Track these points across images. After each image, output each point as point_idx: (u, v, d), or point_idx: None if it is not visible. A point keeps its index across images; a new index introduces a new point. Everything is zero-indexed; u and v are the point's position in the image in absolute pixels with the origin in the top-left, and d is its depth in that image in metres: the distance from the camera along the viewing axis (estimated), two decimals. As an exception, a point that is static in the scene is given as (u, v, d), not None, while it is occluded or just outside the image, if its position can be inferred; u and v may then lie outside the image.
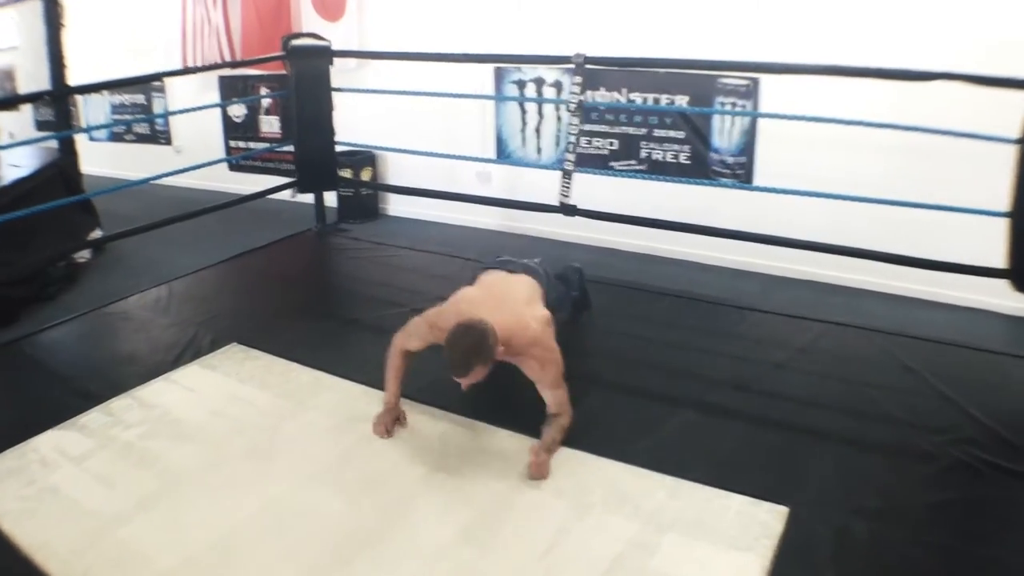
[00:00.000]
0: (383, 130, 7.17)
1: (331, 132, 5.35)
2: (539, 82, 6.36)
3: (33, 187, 6.20)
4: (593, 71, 5.97)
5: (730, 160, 5.68)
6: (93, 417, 3.29)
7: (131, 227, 5.08)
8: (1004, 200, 3.61)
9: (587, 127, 6.22)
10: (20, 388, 3.66)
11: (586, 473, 2.82)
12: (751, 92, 5.45)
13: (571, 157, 4.48)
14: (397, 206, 7.60)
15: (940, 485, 2.73)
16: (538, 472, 2.76)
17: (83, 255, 6.89)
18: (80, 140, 10.16)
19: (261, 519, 2.61)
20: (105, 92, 9.49)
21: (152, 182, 5.51)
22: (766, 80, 5.32)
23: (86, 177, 9.48)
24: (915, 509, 2.61)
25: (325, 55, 5.29)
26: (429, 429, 3.13)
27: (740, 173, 5.65)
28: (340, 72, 7.07)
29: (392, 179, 7.47)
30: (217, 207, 5.54)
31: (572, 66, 4.60)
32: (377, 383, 3.23)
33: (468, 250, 5.82)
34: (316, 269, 5.24)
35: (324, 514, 2.63)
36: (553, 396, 2.89)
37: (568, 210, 4.57)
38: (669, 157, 5.94)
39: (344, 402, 3.34)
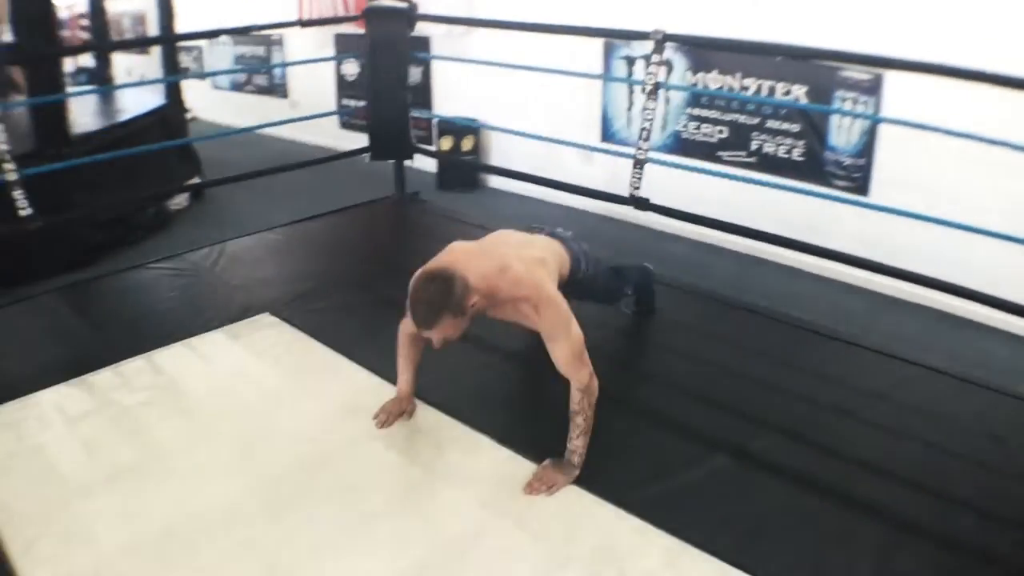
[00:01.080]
0: (488, 100, 6.96)
1: (406, 99, 5.03)
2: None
3: (127, 133, 6.20)
4: (707, 53, 5.52)
5: (847, 161, 5.09)
6: (104, 377, 3.21)
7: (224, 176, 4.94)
8: None
9: (696, 111, 5.74)
10: (48, 337, 3.63)
11: (579, 516, 2.41)
12: (875, 88, 4.82)
13: (644, 145, 4.00)
14: (498, 177, 7.28)
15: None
16: (531, 487, 2.45)
17: (179, 202, 6.92)
18: (205, 88, 10.53)
19: (220, 511, 2.43)
20: (228, 43, 9.56)
21: (268, 134, 5.39)
22: (892, 77, 4.67)
23: (206, 124, 9.72)
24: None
25: (403, 18, 4.95)
26: (426, 436, 2.81)
27: (856, 177, 5.04)
28: (446, 38, 6.86)
29: (494, 150, 7.19)
30: (297, 165, 5.41)
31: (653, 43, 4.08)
32: (393, 376, 2.95)
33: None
34: (377, 240, 4.94)
35: (284, 518, 2.40)
36: (560, 351, 2.44)
37: (639, 203, 4.10)
38: (782, 152, 5.39)
39: (349, 394, 3.06)
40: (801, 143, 5.29)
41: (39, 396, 3.05)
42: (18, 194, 3.82)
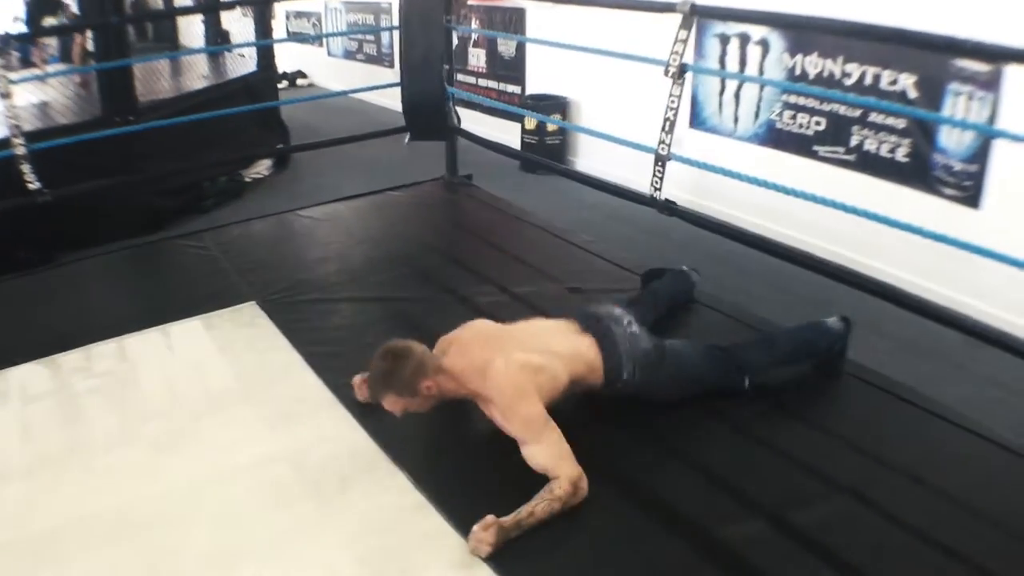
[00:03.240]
0: (578, 78, 6.57)
1: (441, 75, 4.62)
2: (744, 38, 5.26)
3: (207, 100, 6.13)
4: (810, 34, 4.88)
5: (957, 167, 4.35)
6: (72, 358, 3.15)
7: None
8: None
9: (791, 99, 5.10)
10: (43, 310, 3.64)
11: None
12: (994, 81, 4.07)
13: (666, 139, 3.42)
14: (585, 160, 6.82)
15: None
16: (473, 545, 2.11)
17: (260, 171, 6.85)
18: (321, 56, 10.53)
19: (113, 517, 2.29)
20: (342, 10, 9.50)
21: (373, 102, 5.20)
22: (1015, 70, 3.91)
23: (320, 91, 9.70)
24: None
25: (437, -17, 4.54)
26: (338, 465, 2.48)
27: (967, 185, 4.31)
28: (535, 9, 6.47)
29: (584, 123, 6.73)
30: (363, 136, 5.28)
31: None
32: (343, 384, 2.79)
33: (618, 237, 5.00)
34: (402, 228, 4.56)
35: (179, 534, 2.23)
36: (529, 454, 2.28)
37: (664, 207, 3.53)
38: (884, 150, 4.70)
39: (288, 403, 2.80)
40: (907, 141, 4.58)
41: (12, 372, 3.04)
42: (26, 168, 3.80)
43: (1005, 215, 4.15)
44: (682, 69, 3.37)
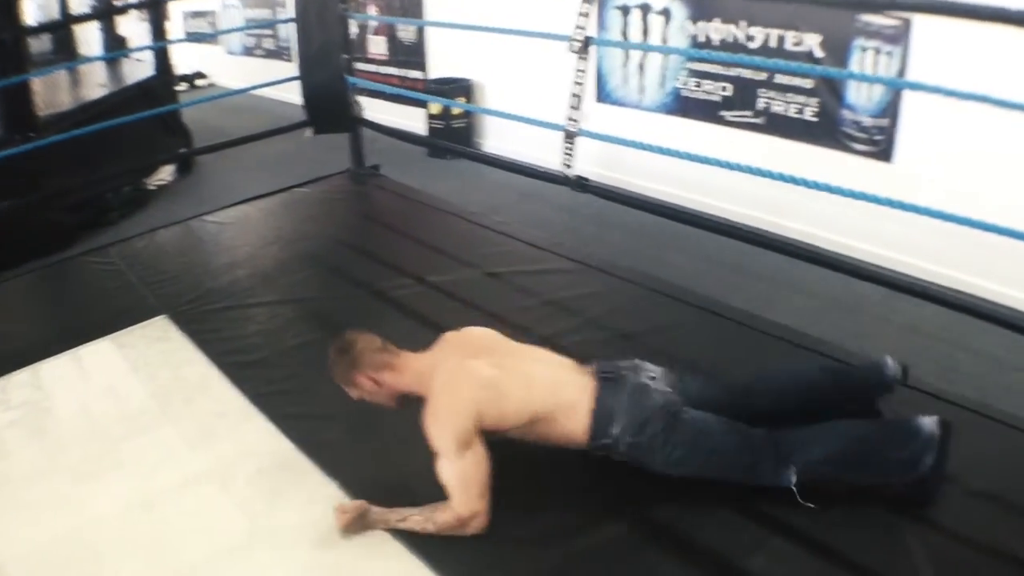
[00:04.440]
0: (481, 59, 6.54)
1: (340, 65, 4.50)
2: (645, 8, 5.24)
3: (106, 108, 5.87)
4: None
5: (868, 122, 4.40)
6: None
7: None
8: None
9: (696, 66, 5.10)
10: None
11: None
12: (901, 35, 4.11)
13: (575, 115, 3.38)
14: (493, 141, 6.76)
15: None
16: (338, 518, 2.13)
17: (163, 177, 6.62)
18: (220, 55, 10.25)
19: (24, 556, 2.18)
20: (239, 6, 9.28)
21: (273, 98, 5.02)
22: (922, 21, 3.97)
23: (221, 91, 9.42)
24: None
25: (330, -28, 4.41)
26: (267, 480, 2.38)
27: (879, 140, 4.36)
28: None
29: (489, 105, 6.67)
30: (264, 134, 5.03)
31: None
32: (263, 395, 2.71)
33: (532, 217, 4.96)
34: (310, 227, 4.41)
35: (109, 567, 2.13)
36: (438, 467, 2.13)
37: (576, 184, 3.48)
38: (792, 111, 4.73)
39: (209, 420, 2.68)
40: (814, 100, 4.62)
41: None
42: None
43: (917, 166, 4.22)
44: (586, 43, 3.31)
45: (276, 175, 5.52)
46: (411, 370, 2.29)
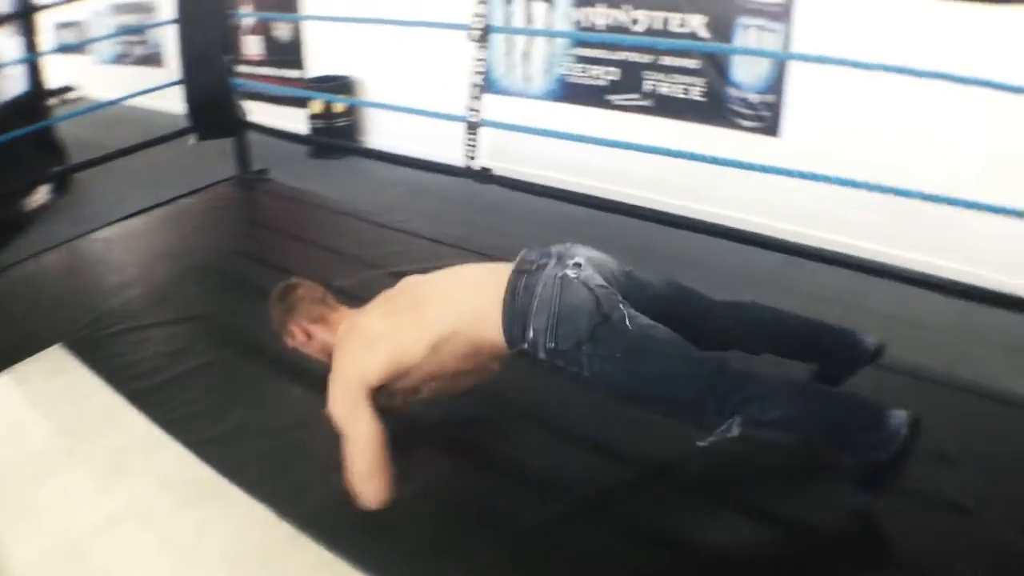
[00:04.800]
0: (364, 55, 6.42)
1: (223, 67, 4.37)
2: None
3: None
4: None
5: (754, 99, 4.51)
6: None
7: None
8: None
9: (582, 52, 5.13)
10: None
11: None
12: (784, 12, 4.22)
13: (476, 105, 3.37)
14: (377, 138, 6.66)
15: None
16: None
17: (38, 198, 6.27)
18: (89, 65, 9.80)
19: None
20: (109, 14, 8.90)
21: (149, 107, 4.79)
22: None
23: (91, 103, 9.00)
24: None
25: (209, -31, 4.27)
26: (229, 538, 2.22)
27: (765, 116, 4.48)
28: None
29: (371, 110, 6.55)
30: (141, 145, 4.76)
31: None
32: (178, 423, 2.56)
33: (427, 213, 4.92)
34: (211, 234, 4.24)
35: None
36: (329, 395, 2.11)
37: (479, 176, 3.48)
38: (679, 91, 4.81)
39: (120, 455, 2.52)
40: (701, 80, 4.71)
41: None
42: None
43: (804, 139, 4.35)
44: (486, 31, 3.29)
45: (159, 187, 5.28)
46: (336, 326, 2.25)
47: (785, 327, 2.26)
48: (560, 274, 1.96)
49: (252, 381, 2.85)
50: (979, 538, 2.04)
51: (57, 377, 2.98)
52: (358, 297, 3.27)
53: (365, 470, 2.00)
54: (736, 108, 4.59)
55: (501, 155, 5.44)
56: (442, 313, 2.06)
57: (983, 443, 2.41)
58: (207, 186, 4.75)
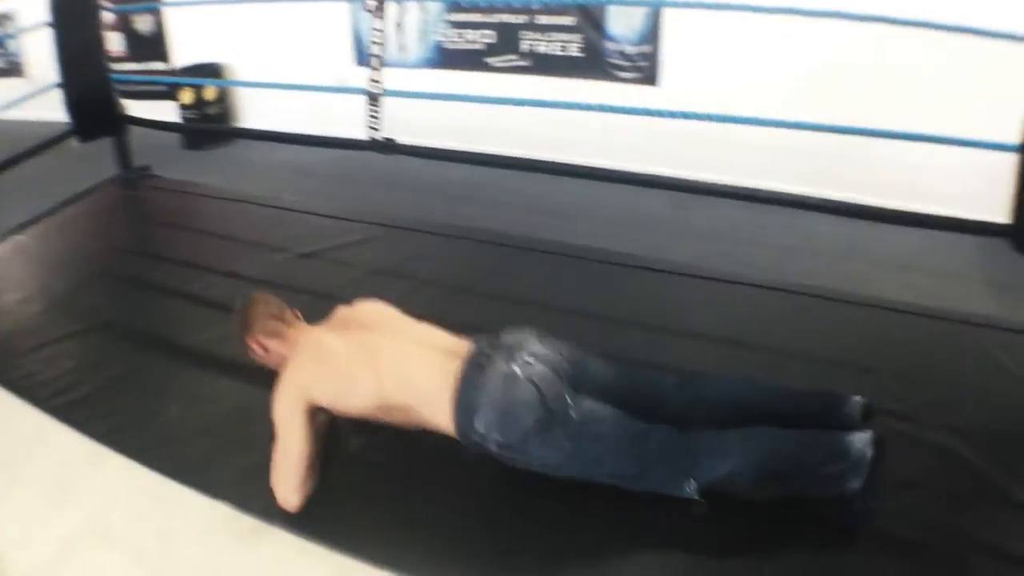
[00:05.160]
0: (231, 40, 6.20)
1: (102, 64, 4.21)
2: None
3: None
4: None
5: (631, 51, 4.63)
6: None
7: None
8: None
9: (456, 17, 5.14)
10: None
11: None
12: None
13: (376, 76, 3.38)
14: (251, 123, 6.51)
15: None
16: None
17: None
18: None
19: None
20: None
21: (15, 120, 4.52)
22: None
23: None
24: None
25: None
26: (199, 543, 2.19)
27: (643, 67, 4.61)
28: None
29: (243, 94, 6.38)
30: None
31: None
32: (119, 430, 2.50)
33: (318, 191, 4.88)
34: (106, 237, 4.10)
35: None
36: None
37: (383, 147, 3.49)
38: (556, 49, 4.89)
39: (66, 472, 2.44)
40: (578, 37, 4.80)
41: None
42: None
43: (682, 85, 4.52)
44: (382, 1, 3.29)
45: (40, 198, 5.02)
46: (293, 341, 2.29)
47: (754, 400, 2.13)
48: (508, 371, 1.99)
49: (180, 380, 2.79)
50: (912, 436, 2.28)
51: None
52: (272, 282, 3.31)
53: (285, 478, 2.10)
54: (614, 61, 4.71)
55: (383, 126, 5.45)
56: (397, 383, 2.09)
57: (898, 353, 2.68)
58: (90, 189, 4.54)
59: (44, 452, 2.54)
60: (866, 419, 2.04)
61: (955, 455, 2.22)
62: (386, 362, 2.10)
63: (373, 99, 3.37)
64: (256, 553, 2.08)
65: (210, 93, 6.21)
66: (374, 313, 2.37)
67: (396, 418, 2.14)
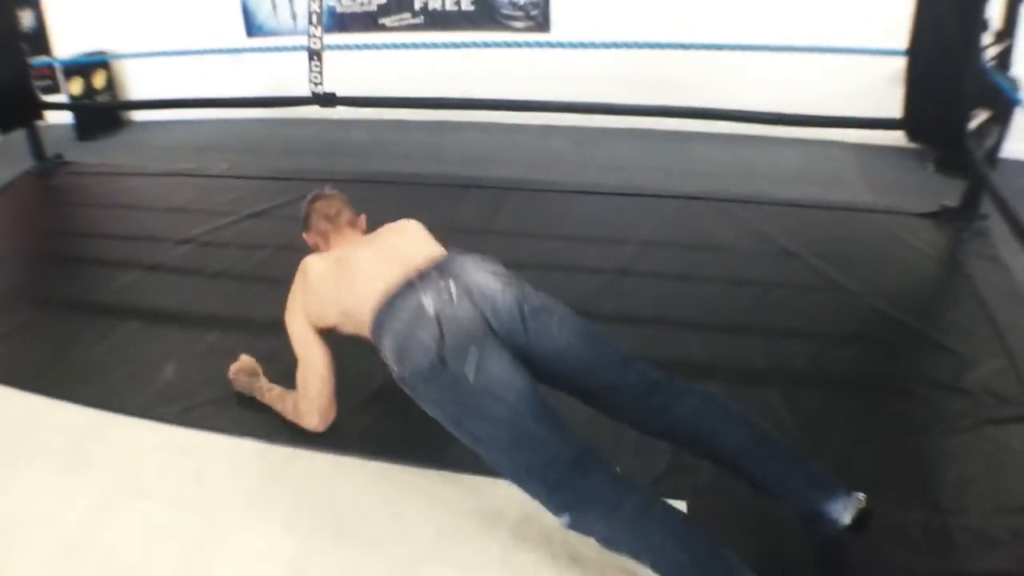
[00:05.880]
0: (116, 27, 5.97)
1: (19, 50, 4.11)
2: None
3: None
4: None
5: (521, 1, 4.81)
6: None
7: None
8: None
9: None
10: None
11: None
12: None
13: (316, 31, 3.49)
14: (141, 111, 6.34)
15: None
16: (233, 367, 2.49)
17: None
18: None
19: None
20: None
21: None
22: None
23: None
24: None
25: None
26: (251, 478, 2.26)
27: (535, 15, 4.81)
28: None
29: (133, 77, 6.19)
30: None
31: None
32: (123, 406, 2.52)
33: (227, 156, 4.92)
34: (33, 236, 3.96)
35: None
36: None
37: (324, 100, 3.62)
38: (450, 4, 5.01)
39: (72, 443, 2.44)
40: (469, -9, 4.96)
41: None
42: None
43: (573, 29, 4.76)
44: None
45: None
46: (331, 248, 2.35)
47: (729, 445, 1.80)
48: (419, 303, 1.86)
49: (165, 340, 2.86)
50: (844, 302, 2.81)
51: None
52: (225, 244, 3.43)
53: (306, 396, 2.24)
54: (507, 12, 4.88)
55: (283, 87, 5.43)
56: (349, 291, 2.09)
57: (815, 238, 3.21)
58: (8, 184, 4.37)
59: (46, 429, 2.53)
60: (857, 527, 1.69)
61: (884, 312, 2.75)
62: (348, 274, 2.11)
63: (315, 55, 3.46)
64: (292, 475, 2.21)
65: (99, 81, 5.98)
66: (389, 229, 2.34)
67: (351, 328, 2.12)
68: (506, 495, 1.90)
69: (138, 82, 6.14)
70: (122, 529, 2.11)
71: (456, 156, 4.81)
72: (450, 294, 1.86)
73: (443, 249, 2.17)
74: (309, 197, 2.47)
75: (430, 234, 2.30)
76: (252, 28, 5.60)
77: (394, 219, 2.38)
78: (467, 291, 1.87)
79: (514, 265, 2.11)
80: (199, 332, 2.86)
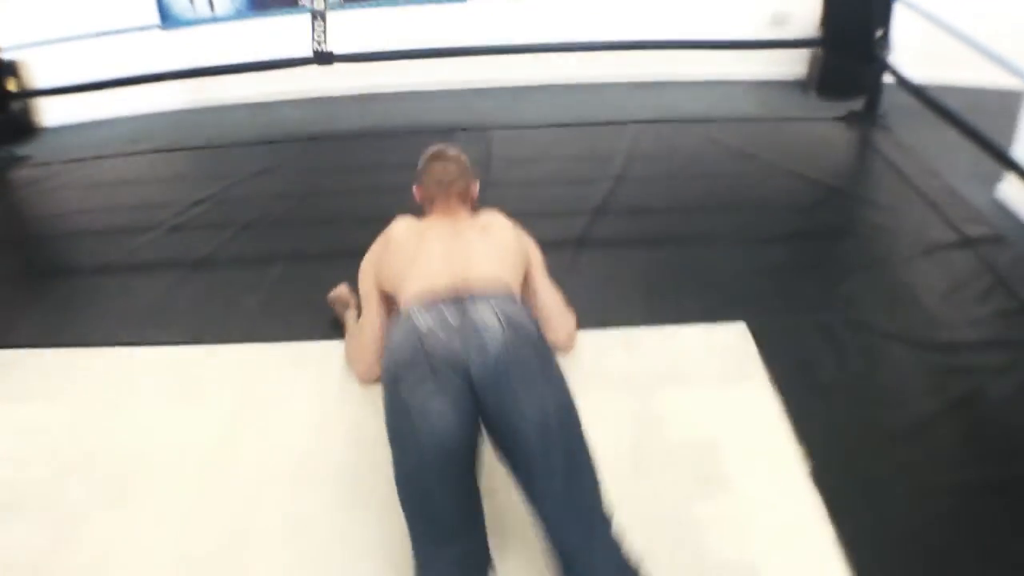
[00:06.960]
0: (24, 26, 5.82)
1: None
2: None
3: None
4: None
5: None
6: None
7: None
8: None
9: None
10: None
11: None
12: None
13: None
14: (55, 115, 6.19)
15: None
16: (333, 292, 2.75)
17: None
18: None
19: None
20: None
21: None
22: None
23: None
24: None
25: None
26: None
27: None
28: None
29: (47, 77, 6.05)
30: None
31: None
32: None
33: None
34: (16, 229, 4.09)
35: None
36: None
37: (323, 58, 4.02)
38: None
39: (179, 373, 2.65)
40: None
41: None
42: None
43: (487, 3, 5.33)
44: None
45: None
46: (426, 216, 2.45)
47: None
48: (416, 324, 1.84)
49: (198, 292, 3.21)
50: (795, 183, 3.61)
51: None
52: (218, 222, 3.67)
53: (356, 349, 2.47)
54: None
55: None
56: (401, 278, 2.15)
57: (759, 141, 4.10)
58: None
59: (140, 371, 2.71)
60: None
61: (828, 185, 3.62)
62: (415, 255, 2.14)
63: (318, 16, 3.84)
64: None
65: (11, 86, 5.83)
66: (486, 225, 2.31)
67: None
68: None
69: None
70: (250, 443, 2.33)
71: (382, 125, 5.15)
72: (447, 320, 1.82)
73: (502, 273, 2.09)
74: (431, 152, 2.45)
75: (517, 233, 2.36)
76: (167, 21, 5.58)
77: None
78: (462, 325, 1.80)
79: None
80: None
